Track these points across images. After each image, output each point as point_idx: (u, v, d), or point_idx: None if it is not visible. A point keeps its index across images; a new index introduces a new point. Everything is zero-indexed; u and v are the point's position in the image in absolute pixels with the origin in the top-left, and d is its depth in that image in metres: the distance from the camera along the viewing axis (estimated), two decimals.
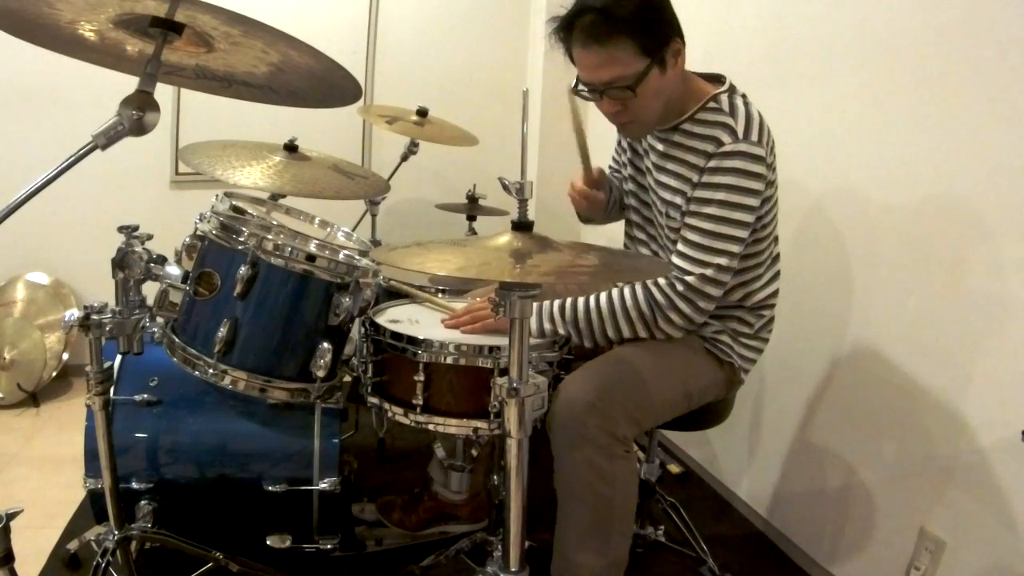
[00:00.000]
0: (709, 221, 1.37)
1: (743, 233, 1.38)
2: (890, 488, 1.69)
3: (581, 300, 1.47)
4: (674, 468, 2.46)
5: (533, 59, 3.26)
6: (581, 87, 1.39)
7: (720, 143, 1.35)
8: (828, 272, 1.85)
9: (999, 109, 1.40)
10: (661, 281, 1.40)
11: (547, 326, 1.47)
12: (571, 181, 1.64)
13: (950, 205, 1.52)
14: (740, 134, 1.35)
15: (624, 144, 1.69)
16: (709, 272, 1.38)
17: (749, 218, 1.37)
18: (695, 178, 1.39)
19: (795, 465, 2.01)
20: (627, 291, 1.44)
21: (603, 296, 1.46)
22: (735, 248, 1.38)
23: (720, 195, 1.36)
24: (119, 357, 1.54)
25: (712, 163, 1.36)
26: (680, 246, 1.41)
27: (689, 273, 1.38)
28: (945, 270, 1.53)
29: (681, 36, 1.37)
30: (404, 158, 2.71)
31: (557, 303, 1.48)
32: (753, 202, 1.36)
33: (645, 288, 1.42)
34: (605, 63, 1.31)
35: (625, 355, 1.49)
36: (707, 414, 1.62)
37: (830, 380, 1.88)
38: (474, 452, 1.82)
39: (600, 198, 1.64)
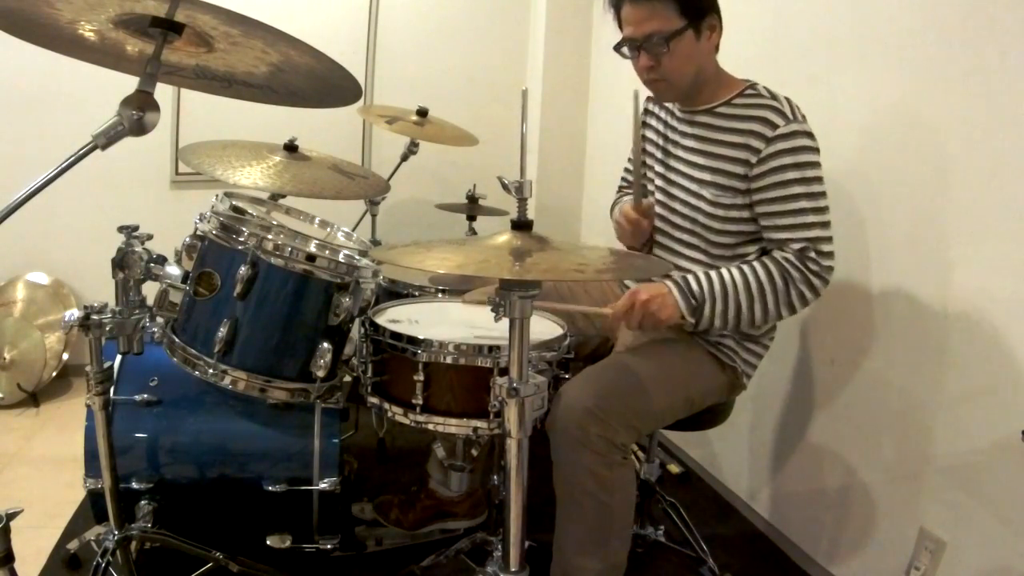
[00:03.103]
0: (798, 199, 1.41)
1: (827, 200, 1.43)
2: (890, 488, 1.69)
3: (716, 278, 1.45)
4: (674, 468, 2.45)
5: (533, 59, 3.26)
6: (623, 46, 1.48)
7: (774, 126, 1.41)
8: None
9: (999, 109, 1.40)
10: (789, 256, 1.42)
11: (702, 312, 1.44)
12: (623, 208, 1.67)
13: (950, 205, 1.51)
14: (790, 115, 1.42)
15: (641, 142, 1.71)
16: (822, 232, 1.41)
17: (824, 186, 1.43)
18: (752, 159, 1.42)
19: (795, 465, 2.01)
20: (758, 266, 1.44)
21: (735, 273, 1.44)
22: (829, 216, 1.43)
23: (793, 174, 1.40)
24: (119, 357, 1.54)
25: (773, 147, 1.40)
26: (784, 220, 1.42)
27: (804, 239, 1.41)
28: (945, 270, 1.53)
29: (719, 17, 1.46)
30: (404, 158, 2.71)
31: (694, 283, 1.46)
32: (821, 171, 1.42)
33: (775, 262, 1.43)
34: (648, 17, 1.41)
35: (626, 360, 1.49)
36: (707, 415, 1.61)
37: (830, 380, 1.88)
38: (474, 452, 1.82)
39: (645, 227, 1.65)
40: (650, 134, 1.70)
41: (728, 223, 1.50)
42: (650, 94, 1.67)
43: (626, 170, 1.84)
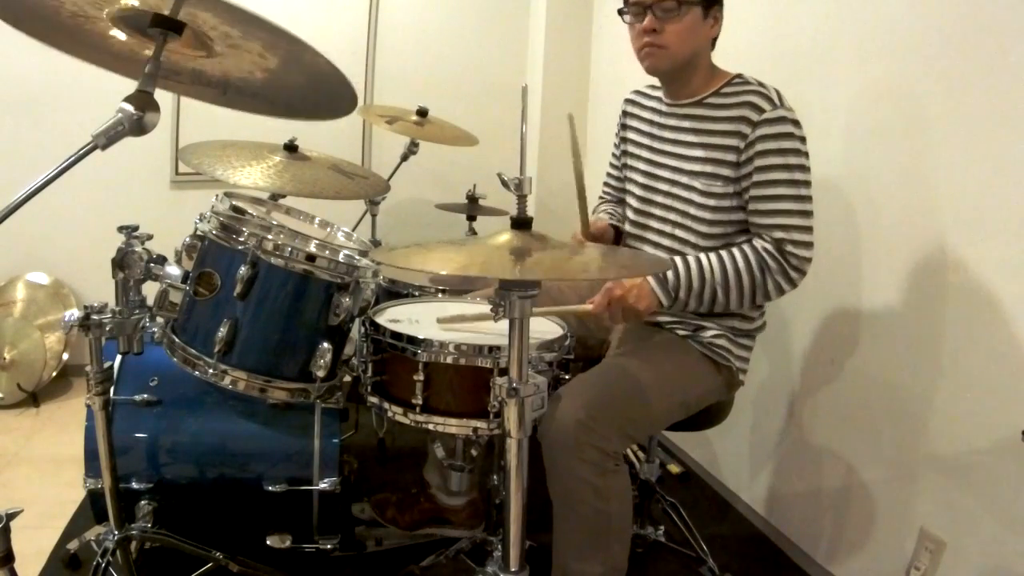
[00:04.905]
0: (777, 185, 1.41)
1: (809, 190, 1.43)
2: (890, 488, 1.69)
3: (695, 265, 1.45)
4: (674, 468, 2.45)
5: (533, 58, 3.26)
6: (628, 11, 1.48)
7: (761, 110, 1.41)
8: (827, 271, 1.85)
9: (999, 109, 1.40)
10: (768, 246, 1.42)
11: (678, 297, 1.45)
12: (573, 234, 1.67)
13: (950, 205, 1.51)
14: (776, 101, 1.42)
15: (620, 145, 1.70)
16: (801, 221, 1.41)
17: (809, 176, 1.43)
18: (740, 144, 1.43)
19: (795, 465, 2.01)
20: (737, 254, 1.44)
21: (713, 259, 1.45)
22: (810, 206, 1.42)
23: (776, 159, 1.41)
24: (119, 357, 1.54)
25: (759, 131, 1.41)
26: (763, 206, 1.42)
27: (781, 227, 1.41)
28: (945, 270, 1.53)
29: (722, 15, 1.50)
30: (404, 158, 2.71)
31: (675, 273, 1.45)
32: (808, 162, 1.43)
33: (754, 251, 1.43)
34: None
35: (619, 366, 1.49)
36: (706, 415, 1.61)
37: (830, 380, 1.88)
38: (474, 452, 1.82)
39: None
40: (633, 135, 1.69)
41: (719, 212, 1.49)
42: (630, 98, 1.71)
43: (609, 175, 1.84)
